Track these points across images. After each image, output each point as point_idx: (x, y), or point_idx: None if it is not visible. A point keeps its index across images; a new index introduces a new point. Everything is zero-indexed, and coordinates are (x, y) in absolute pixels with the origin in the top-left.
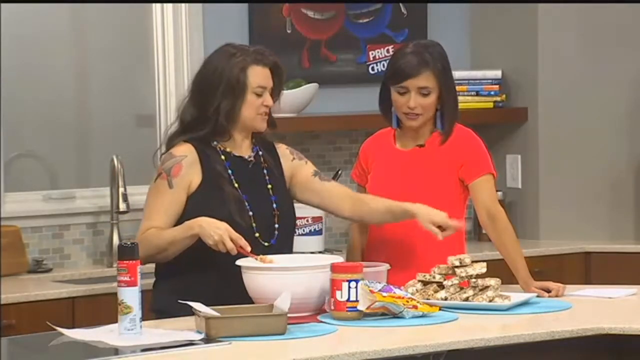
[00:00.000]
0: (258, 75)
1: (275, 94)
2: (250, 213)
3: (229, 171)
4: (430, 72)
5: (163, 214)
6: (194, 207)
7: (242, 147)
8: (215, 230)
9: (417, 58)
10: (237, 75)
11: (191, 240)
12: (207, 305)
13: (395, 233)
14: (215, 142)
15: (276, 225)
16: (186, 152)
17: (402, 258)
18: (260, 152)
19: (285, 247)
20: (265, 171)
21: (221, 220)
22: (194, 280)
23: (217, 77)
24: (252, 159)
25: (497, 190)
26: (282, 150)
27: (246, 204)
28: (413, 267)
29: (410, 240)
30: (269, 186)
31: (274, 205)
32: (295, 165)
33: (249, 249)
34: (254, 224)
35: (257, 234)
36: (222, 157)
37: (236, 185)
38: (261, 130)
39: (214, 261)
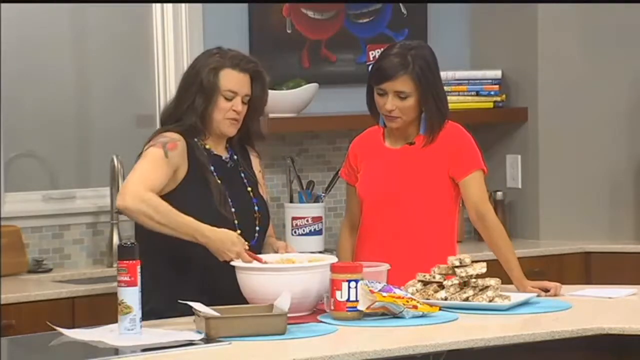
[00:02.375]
0: (231, 80)
1: (257, 103)
2: (233, 209)
3: (211, 167)
4: (407, 76)
5: (156, 180)
6: (180, 196)
7: (219, 148)
8: (231, 249)
9: (397, 60)
10: (208, 75)
11: (188, 239)
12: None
13: (394, 232)
14: (195, 139)
15: (257, 228)
16: (177, 137)
17: (402, 258)
18: (235, 156)
19: (262, 248)
20: (242, 174)
21: (206, 212)
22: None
23: (193, 75)
24: (228, 160)
25: (496, 190)
26: (254, 158)
27: (229, 199)
28: (413, 267)
29: (408, 240)
30: (249, 189)
31: (256, 208)
32: (259, 179)
33: (263, 260)
34: (236, 221)
35: (238, 231)
36: (204, 152)
37: (219, 181)
38: (228, 135)
39: (195, 259)
